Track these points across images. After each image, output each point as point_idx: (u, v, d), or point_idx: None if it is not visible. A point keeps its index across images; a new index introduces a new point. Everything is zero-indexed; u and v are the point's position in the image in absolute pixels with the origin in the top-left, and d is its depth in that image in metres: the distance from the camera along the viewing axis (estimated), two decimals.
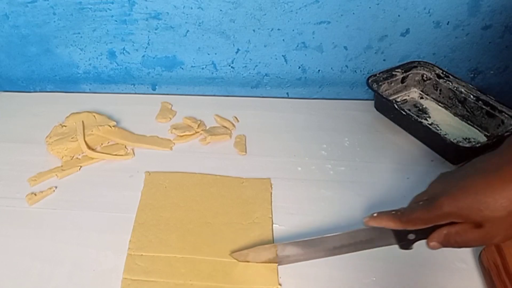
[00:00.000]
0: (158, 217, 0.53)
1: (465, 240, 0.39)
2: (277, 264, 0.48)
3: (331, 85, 0.79)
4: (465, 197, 0.37)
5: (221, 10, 0.68)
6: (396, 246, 0.44)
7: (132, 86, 0.81)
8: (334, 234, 0.44)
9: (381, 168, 0.61)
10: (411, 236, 0.42)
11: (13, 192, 0.57)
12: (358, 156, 0.63)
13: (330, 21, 0.69)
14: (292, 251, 0.46)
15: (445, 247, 0.41)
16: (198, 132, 0.67)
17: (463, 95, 0.67)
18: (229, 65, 0.76)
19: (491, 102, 0.64)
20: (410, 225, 0.41)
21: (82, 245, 0.50)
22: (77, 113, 0.68)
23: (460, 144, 0.63)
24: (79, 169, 0.61)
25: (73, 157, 0.63)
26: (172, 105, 0.75)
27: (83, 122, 0.66)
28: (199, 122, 0.69)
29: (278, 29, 0.70)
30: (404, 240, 0.43)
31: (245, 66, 0.76)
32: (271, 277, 0.46)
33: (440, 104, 0.71)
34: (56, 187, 0.58)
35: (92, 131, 0.64)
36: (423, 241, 0.44)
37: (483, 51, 0.72)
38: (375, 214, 0.42)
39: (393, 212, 0.41)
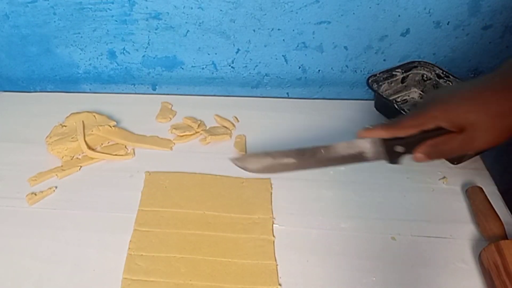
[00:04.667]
0: (158, 217, 0.53)
1: (449, 148, 0.42)
2: (276, 264, 0.48)
3: (331, 85, 0.79)
4: (453, 102, 0.41)
5: (221, 10, 0.68)
6: (396, 250, 0.46)
7: (132, 86, 0.81)
8: (327, 145, 0.45)
9: (381, 168, 0.60)
10: (399, 149, 0.43)
11: (13, 192, 0.57)
12: None
13: (330, 21, 0.69)
14: (288, 160, 0.46)
15: (429, 159, 0.43)
16: (198, 132, 0.67)
17: None
18: (229, 65, 0.76)
19: None
20: (400, 131, 0.43)
21: (82, 245, 0.50)
22: (77, 113, 0.68)
23: None
24: (79, 169, 0.61)
25: (73, 157, 0.63)
26: (172, 105, 0.75)
27: (83, 122, 0.66)
28: (199, 122, 0.69)
29: (278, 29, 0.70)
30: (392, 153, 0.44)
31: (245, 66, 0.76)
32: (271, 277, 0.47)
33: None
34: (56, 187, 0.58)
35: (92, 131, 0.64)
36: (419, 242, 0.44)
37: (483, 51, 0.72)
38: (369, 127, 0.44)
39: (385, 123, 0.44)
